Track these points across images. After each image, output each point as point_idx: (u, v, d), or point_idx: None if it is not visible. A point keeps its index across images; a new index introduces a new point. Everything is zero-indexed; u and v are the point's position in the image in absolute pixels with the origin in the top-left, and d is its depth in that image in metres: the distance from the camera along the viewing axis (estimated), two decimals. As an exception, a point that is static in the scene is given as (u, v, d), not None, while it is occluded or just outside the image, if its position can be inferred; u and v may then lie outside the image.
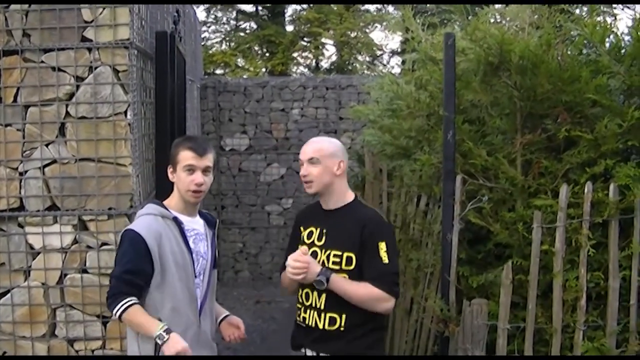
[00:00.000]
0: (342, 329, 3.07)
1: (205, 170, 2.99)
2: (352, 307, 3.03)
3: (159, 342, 2.75)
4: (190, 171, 2.96)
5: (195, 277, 3.01)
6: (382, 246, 2.99)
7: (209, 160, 3.00)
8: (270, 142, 9.33)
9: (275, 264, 9.41)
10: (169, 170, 3.03)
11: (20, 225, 3.83)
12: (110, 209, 3.79)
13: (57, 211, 3.81)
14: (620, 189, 3.47)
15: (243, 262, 9.49)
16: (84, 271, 3.82)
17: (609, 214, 3.45)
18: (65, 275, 3.83)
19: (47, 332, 3.86)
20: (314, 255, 3.11)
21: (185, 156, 2.97)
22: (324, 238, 3.14)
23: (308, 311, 3.16)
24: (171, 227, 2.96)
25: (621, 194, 3.47)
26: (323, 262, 3.09)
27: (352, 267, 3.04)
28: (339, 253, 3.07)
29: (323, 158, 3.13)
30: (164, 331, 2.76)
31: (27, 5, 3.71)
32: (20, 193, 3.80)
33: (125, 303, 2.82)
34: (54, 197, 3.81)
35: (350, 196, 3.20)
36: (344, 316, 3.07)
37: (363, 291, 2.96)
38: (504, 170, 3.85)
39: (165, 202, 3.05)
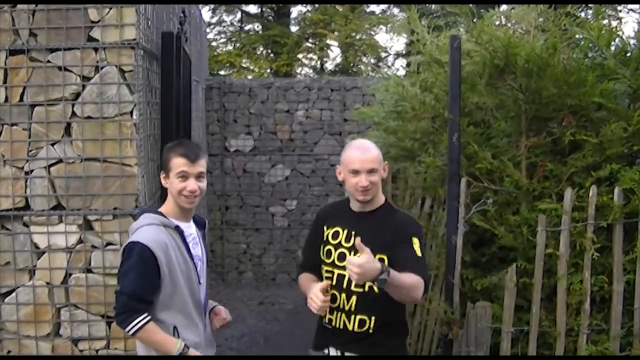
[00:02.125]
0: (370, 330, 3.04)
1: (198, 176, 2.96)
2: (381, 309, 3.00)
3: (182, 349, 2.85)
4: (183, 178, 2.93)
5: (199, 282, 3.03)
6: (415, 241, 2.93)
7: (201, 166, 2.97)
8: (275, 143, 9.32)
9: (279, 265, 9.41)
10: (162, 176, 3.01)
11: (26, 225, 3.83)
12: (115, 208, 3.80)
13: (63, 211, 3.82)
14: (625, 193, 3.48)
15: (247, 263, 9.48)
16: (89, 271, 3.82)
17: (614, 217, 3.45)
18: (70, 274, 3.84)
19: (52, 331, 3.86)
20: (342, 256, 3.04)
21: (178, 163, 2.93)
22: (352, 239, 3.03)
23: (335, 313, 3.10)
24: (174, 236, 2.95)
25: (626, 198, 3.47)
26: None
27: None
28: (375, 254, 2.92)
29: (379, 165, 3.03)
30: (182, 351, 2.85)
31: (33, 4, 3.72)
32: (25, 192, 3.81)
33: (140, 321, 2.82)
34: (60, 197, 3.82)
35: (382, 198, 3.13)
36: (373, 318, 3.03)
37: (410, 279, 2.81)
38: (509, 173, 3.86)
39: (163, 210, 3.02)
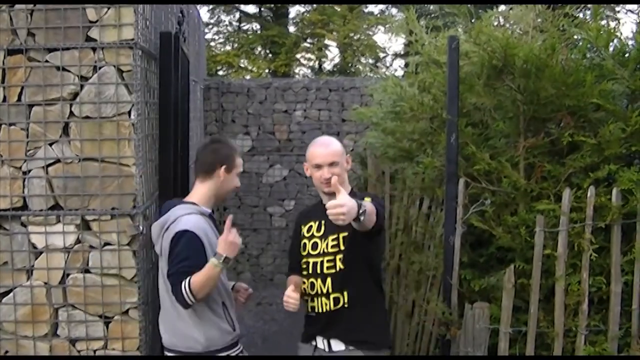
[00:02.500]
0: (346, 305, 3.31)
1: None
2: (352, 285, 3.31)
3: (224, 263, 3.24)
4: (238, 174, 3.55)
5: None
6: (367, 199, 3.14)
7: None
8: (273, 143, 9.33)
9: (277, 266, 9.41)
10: (223, 169, 3.46)
11: (23, 225, 3.82)
12: (113, 209, 3.79)
13: (60, 211, 3.81)
14: (623, 193, 3.47)
15: (245, 263, 9.48)
16: (87, 271, 3.81)
17: (612, 218, 3.45)
18: (68, 275, 3.83)
19: (49, 331, 3.86)
20: (315, 246, 3.40)
21: (241, 163, 3.59)
22: (322, 228, 3.38)
23: (316, 299, 3.38)
24: (209, 223, 3.40)
25: (624, 199, 3.47)
26: (324, 249, 3.35)
27: (341, 253, 3.31)
28: (335, 236, 3.32)
29: (340, 158, 3.37)
30: (216, 257, 3.22)
31: (32, 4, 3.71)
32: (23, 192, 3.80)
33: (186, 280, 3.17)
34: (57, 197, 3.81)
35: (348, 188, 3.42)
36: (345, 293, 3.31)
37: (370, 205, 3.04)
38: (507, 173, 3.86)
39: (195, 200, 3.45)
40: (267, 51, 17.95)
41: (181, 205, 3.40)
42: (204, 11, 17.62)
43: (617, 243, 3.46)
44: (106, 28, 3.71)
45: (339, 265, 3.32)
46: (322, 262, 3.37)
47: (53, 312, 3.86)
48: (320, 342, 3.39)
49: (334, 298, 3.33)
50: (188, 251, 3.22)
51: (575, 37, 4.24)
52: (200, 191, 3.48)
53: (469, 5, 4.53)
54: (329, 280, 3.34)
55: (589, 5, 4.75)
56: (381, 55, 18.96)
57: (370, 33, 18.52)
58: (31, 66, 3.74)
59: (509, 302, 3.51)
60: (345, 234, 3.27)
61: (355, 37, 17.87)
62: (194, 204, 3.41)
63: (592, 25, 3.90)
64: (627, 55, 3.84)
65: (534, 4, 4.52)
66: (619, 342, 3.49)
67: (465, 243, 3.95)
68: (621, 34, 3.93)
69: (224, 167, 3.45)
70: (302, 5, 18.05)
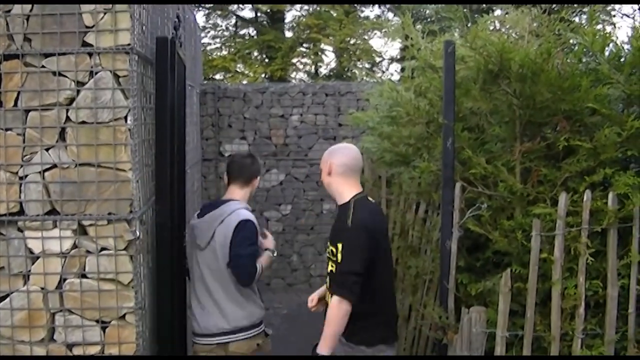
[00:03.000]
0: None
1: None
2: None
3: (275, 252, 4.31)
4: None
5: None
6: (339, 247, 3.37)
7: None
8: (270, 148, 9.32)
9: (273, 270, 9.38)
10: (258, 179, 4.33)
11: (20, 230, 3.81)
12: (109, 213, 3.79)
13: (57, 216, 3.80)
14: (619, 197, 3.48)
15: (241, 267, 9.45)
16: (83, 276, 3.81)
17: (608, 222, 3.46)
18: (65, 280, 3.82)
19: (46, 336, 3.85)
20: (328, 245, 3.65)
21: None
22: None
23: (327, 293, 3.64)
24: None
25: (620, 203, 3.48)
26: (327, 250, 3.58)
27: (334, 258, 3.44)
28: (329, 244, 3.55)
29: (321, 166, 3.68)
30: (271, 252, 4.27)
31: (28, 9, 3.71)
32: (20, 197, 3.79)
33: (259, 265, 4.04)
34: (54, 202, 3.80)
35: (347, 196, 3.56)
36: (330, 295, 3.50)
37: (329, 322, 3.35)
38: (503, 178, 3.86)
39: (241, 200, 4.19)
40: (264, 56, 17.94)
41: (232, 202, 4.11)
42: (200, 15, 17.64)
43: (614, 247, 3.47)
44: (102, 33, 3.70)
45: (331, 268, 3.51)
46: (327, 261, 3.61)
47: (50, 317, 3.85)
48: None
49: (330, 296, 3.50)
50: (254, 237, 3.99)
51: (571, 41, 4.25)
52: (240, 194, 4.19)
53: (465, 10, 4.54)
54: (327, 279, 3.58)
55: (584, 9, 4.77)
56: (377, 59, 18.96)
57: (367, 38, 18.51)
58: (27, 71, 3.74)
59: (506, 306, 3.51)
60: (332, 248, 3.47)
61: (351, 42, 17.86)
62: (240, 201, 4.15)
63: (588, 29, 3.91)
64: (622, 59, 3.85)
65: (534, 3, 4.53)
66: (616, 346, 3.49)
67: (461, 247, 3.96)
68: (617, 38, 3.95)
69: (258, 177, 4.30)
70: (299, 9, 18.05)
